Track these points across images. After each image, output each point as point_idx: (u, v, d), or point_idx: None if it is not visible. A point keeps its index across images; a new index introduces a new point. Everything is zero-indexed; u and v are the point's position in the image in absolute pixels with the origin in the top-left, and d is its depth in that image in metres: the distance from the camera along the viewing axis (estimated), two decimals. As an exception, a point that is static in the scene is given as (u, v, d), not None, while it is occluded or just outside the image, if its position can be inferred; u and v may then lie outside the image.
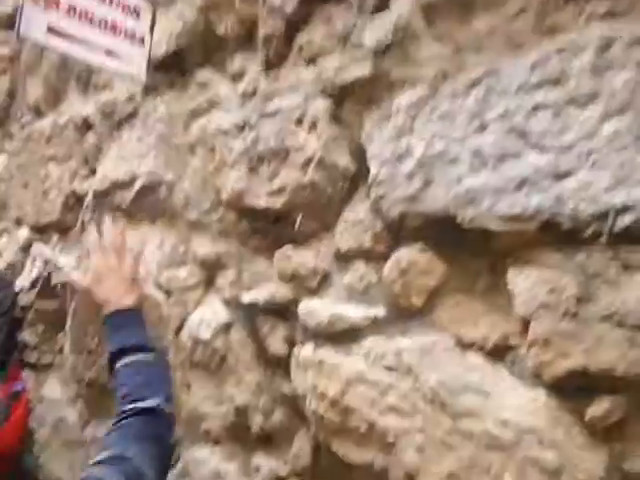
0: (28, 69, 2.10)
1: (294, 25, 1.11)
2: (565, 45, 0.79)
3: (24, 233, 2.09)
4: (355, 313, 0.96)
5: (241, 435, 1.23)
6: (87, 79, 1.74)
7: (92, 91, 1.72)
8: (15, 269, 2.10)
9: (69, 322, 1.72)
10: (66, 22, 1.18)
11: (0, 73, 2.34)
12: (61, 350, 1.81)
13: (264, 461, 1.19)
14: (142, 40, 1.35)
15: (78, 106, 1.77)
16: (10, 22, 2.25)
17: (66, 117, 1.81)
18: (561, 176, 0.76)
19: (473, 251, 0.87)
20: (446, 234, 0.88)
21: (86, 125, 1.70)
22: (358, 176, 1.00)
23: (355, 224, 0.99)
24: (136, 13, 1.34)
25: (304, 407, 1.07)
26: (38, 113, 2.02)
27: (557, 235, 0.77)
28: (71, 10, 1.20)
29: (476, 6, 0.91)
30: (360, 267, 0.99)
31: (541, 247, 0.79)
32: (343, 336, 0.98)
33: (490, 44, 0.88)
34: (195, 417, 1.31)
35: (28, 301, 1.96)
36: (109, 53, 1.29)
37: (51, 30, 1.16)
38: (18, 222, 2.13)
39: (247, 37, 1.22)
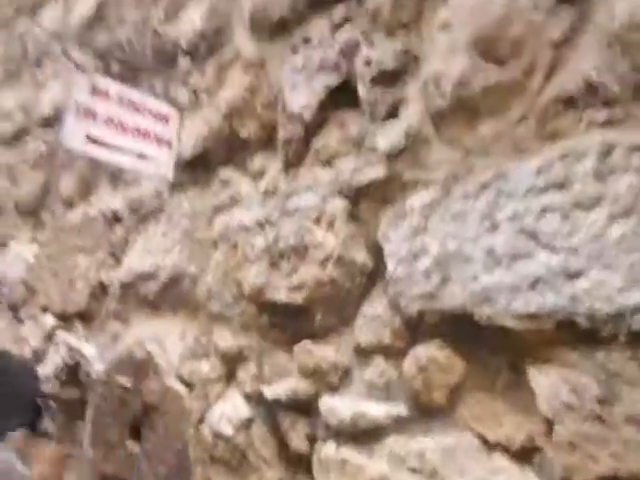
0: (63, 164, 2.24)
1: (311, 129, 1.19)
2: (567, 151, 0.83)
3: (50, 321, 2.14)
4: (377, 411, 0.96)
5: (262, 537, 1.18)
6: (117, 175, 1.85)
7: (122, 186, 1.83)
8: (39, 356, 2.13)
9: (90, 413, 1.72)
10: (103, 131, 1.29)
11: (36, 167, 2.51)
12: (81, 443, 1.79)
13: None
14: (170, 143, 1.45)
15: (108, 200, 1.87)
16: (47, 121, 2.44)
17: (96, 210, 1.91)
18: (573, 276, 0.78)
19: (492, 348, 0.88)
20: (464, 331, 0.90)
21: (115, 218, 1.79)
22: (376, 272, 1.03)
23: (374, 320, 1.01)
24: (165, 119, 1.45)
25: (327, 508, 1.04)
26: (70, 205, 2.14)
27: (575, 334, 0.77)
28: (108, 120, 1.31)
29: (481, 113, 0.97)
30: (380, 363, 1.00)
31: (560, 346, 0.80)
32: (365, 435, 0.97)
33: (496, 148, 0.94)
34: (215, 516, 1.27)
35: (51, 389, 1.97)
36: (140, 156, 1.39)
37: (89, 139, 1.26)
38: (44, 310, 2.19)
39: (267, 139, 1.31)
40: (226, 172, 1.41)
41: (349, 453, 1.00)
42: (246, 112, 1.35)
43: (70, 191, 2.12)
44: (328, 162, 1.14)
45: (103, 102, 1.29)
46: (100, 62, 1.99)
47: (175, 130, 1.46)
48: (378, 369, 1.00)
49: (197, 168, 1.48)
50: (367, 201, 1.07)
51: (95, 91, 1.27)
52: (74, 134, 1.23)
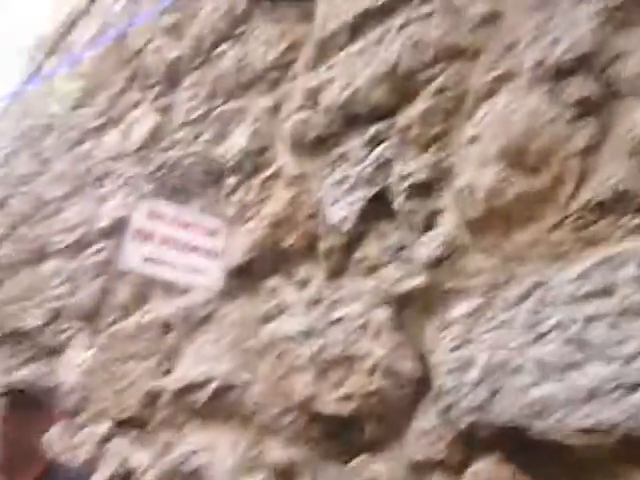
0: (119, 274, 2.37)
1: (352, 240, 1.24)
2: (607, 258, 0.84)
3: (103, 428, 2.17)
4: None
5: None
6: (170, 284, 1.95)
7: (174, 294, 1.91)
8: (92, 465, 2.14)
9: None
10: (159, 251, 1.38)
11: (94, 277, 2.66)
12: None
13: None
14: (218, 255, 1.53)
15: (161, 308, 1.95)
16: (106, 233, 2.63)
17: (149, 317, 1.99)
18: (630, 388, 0.76)
19: (551, 463, 0.84)
20: (521, 444, 0.86)
21: (167, 326, 1.86)
22: (424, 382, 1.03)
23: (426, 433, 0.99)
24: (214, 233, 1.55)
25: None
26: (125, 313, 2.23)
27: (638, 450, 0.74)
28: (163, 240, 1.41)
29: (515, 220, 1.00)
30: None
31: (625, 462, 0.76)
32: None
33: (534, 255, 0.95)
34: None
35: (103, 500, 1.95)
36: (191, 270, 1.47)
37: (147, 260, 1.35)
38: (98, 416, 2.22)
39: (310, 249, 1.37)
40: (272, 281, 1.47)
41: None
42: (289, 224, 1.42)
43: (125, 299, 2.23)
44: (370, 271, 1.18)
45: (159, 224, 1.39)
46: (154, 180, 2.18)
47: (223, 243, 1.55)
48: (434, 487, 0.96)
49: (244, 277, 1.55)
50: (410, 309, 1.08)
51: (152, 215, 1.38)
52: (132, 257, 1.33)
